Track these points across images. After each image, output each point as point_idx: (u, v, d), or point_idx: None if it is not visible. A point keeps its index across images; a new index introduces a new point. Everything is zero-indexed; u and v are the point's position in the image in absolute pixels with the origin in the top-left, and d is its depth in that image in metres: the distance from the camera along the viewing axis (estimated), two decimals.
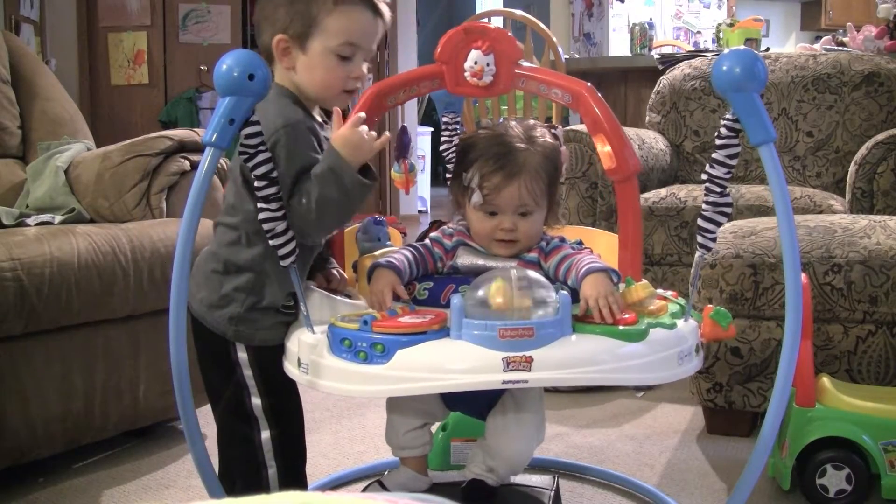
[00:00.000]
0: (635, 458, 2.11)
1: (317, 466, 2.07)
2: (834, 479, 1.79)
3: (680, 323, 1.41)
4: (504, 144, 1.51)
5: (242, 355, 1.48)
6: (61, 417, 1.99)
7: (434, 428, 1.68)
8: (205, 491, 1.47)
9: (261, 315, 1.47)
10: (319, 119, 1.53)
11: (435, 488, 1.63)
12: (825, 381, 1.88)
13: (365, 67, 1.53)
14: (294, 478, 1.55)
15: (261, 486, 1.49)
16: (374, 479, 1.68)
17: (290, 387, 1.51)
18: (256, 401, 1.49)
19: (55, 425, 1.98)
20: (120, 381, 2.10)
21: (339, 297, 1.48)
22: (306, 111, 1.49)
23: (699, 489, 1.93)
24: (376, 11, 1.50)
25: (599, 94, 1.57)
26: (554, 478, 1.70)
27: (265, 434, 1.49)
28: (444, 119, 1.77)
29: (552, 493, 1.65)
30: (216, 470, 1.49)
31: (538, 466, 1.98)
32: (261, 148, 1.33)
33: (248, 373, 1.48)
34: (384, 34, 1.55)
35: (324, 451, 2.17)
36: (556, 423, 2.33)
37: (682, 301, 1.52)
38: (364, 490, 1.70)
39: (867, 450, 1.77)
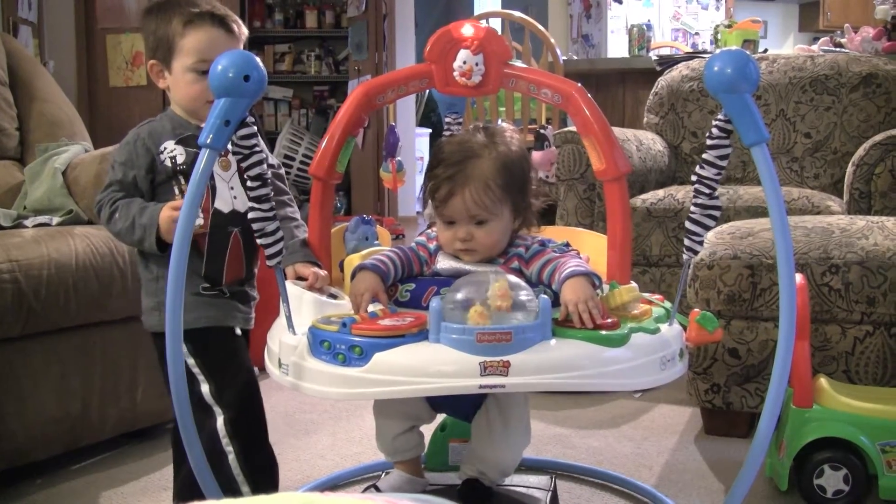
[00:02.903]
0: (633, 458, 2.11)
1: (315, 467, 2.07)
2: (831, 480, 1.79)
3: (664, 327, 1.40)
4: (458, 153, 1.50)
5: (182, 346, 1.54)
6: (59, 419, 1.99)
7: (426, 429, 1.68)
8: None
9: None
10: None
11: (432, 489, 1.63)
12: (823, 381, 1.88)
13: None
14: (256, 459, 1.58)
15: (222, 474, 1.52)
16: (371, 483, 1.68)
17: (235, 369, 1.57)
18: (205, 388, 1.56)
19: (53, 427, 1.98)
20: (118, 382, 2.10)
21: (323, 297, 1.48)
22: (188, 123, 1.64)
23: (697, 490, 1.93)
24: (226, 28, 1.62)
25: (589, 95, 1.56)
26: (552, 478, 1.71)
27: (220, 420, 1.55)
28: (447, 119, 1.77)
29: (550, 493, 1.65)
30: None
31: (536, 467, 1.97)
32: (255, 149, 1.34)
33: (190, 361, 1.55)
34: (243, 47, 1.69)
35: (321, 453, 2.17)
36: (554, 425, 2.33)
37: (668, 305, 1.51)
38: (363, 492, 1.70)
39: (865, 450, 1.77)
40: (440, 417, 1.75)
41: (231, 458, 1.55)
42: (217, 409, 1.56)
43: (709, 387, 2.17)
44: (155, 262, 1.61)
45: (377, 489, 1.61)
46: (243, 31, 1.66)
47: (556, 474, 1.81)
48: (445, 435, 1.85)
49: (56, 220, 2.33)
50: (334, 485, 1.96)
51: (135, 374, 2.14)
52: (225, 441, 1.55)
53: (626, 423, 2.36)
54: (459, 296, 1.30)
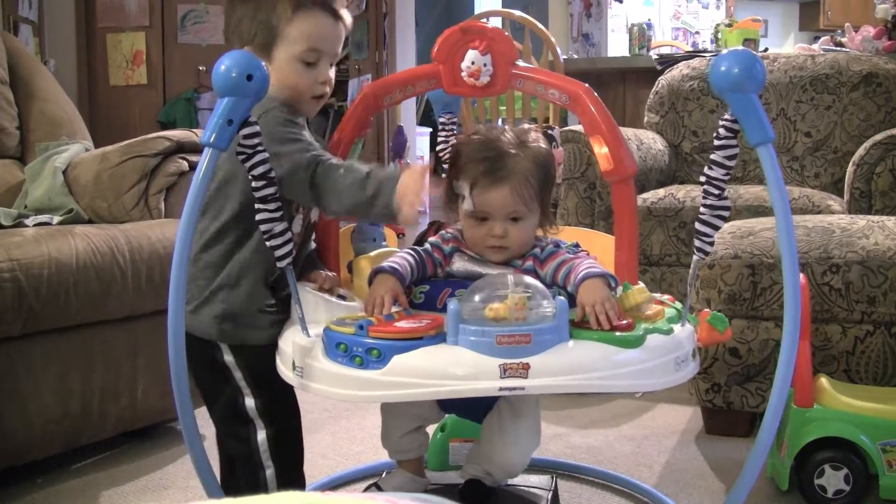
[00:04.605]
0: (634, 458, 2.11)
1: (315, 467, 2.07)
2: (832, 480, 1.79)
3: (676, 328, 1.40)
4: (494, 150, 1.50)
5: (229, 358, 1.50)
6: (59, 418, 1.98)
7: (431, 429, 1.68)
8: (203, 492, 1.47)
9: (244, 315, 1.48)
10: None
11: (433, 489, 1.63)
12: (823, 381, 1.88)
13: (332, 72, 1.55)
14: (292, 477, 1.55)
15: (259, 488, 1.49)
16: (372, 482, 1.68)
17: (284, 385, 1.49)
18: (250, 402, 1.50)
19: (53, 426, 1.98)
20: (118, 381, 2.10)
21: (333, 299, 1.48)
22: None
23: (697, 489, 1.93)
24: (335, 15, 1.52)
25: (596, 95, 1.57)
26: (552, 478, 1.70)
27: (261, 434, 1.50)
28: (441, 120, 1.77)
29: (550, 493, 1.65)
30: (215, 472, 1.49)
31: (536, 467, 1.97)
32: (259, 148, 1.33)
33: (238, 374, 1.50)
34: (346, 38, 1.59)
35: (322, 452, 2.17)
36: (554, 424, 2.33)
37: (678, 305, 1.51)
38: (364, 491, 1.70)
39: (865, 450, 1.77)
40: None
41: (269, 472, 1.50)
42: (259, 423, 1.50)
43: (709, 386, 2.17)
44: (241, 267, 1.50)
45: (379, 488, 1.61)
46: (348, 19, 1.55)
47: (557, 474, 1.81)
48: (446, 435, 1.85)
49: (56, 219, 2.33)
50: (336, 485, 1.96)
51: (135, 373, 2.14)
52: (265, 456, 1.50)
53: (626, 423, 2.36)
54: (477, 298, 1.30)
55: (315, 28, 1.49)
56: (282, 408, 1.53)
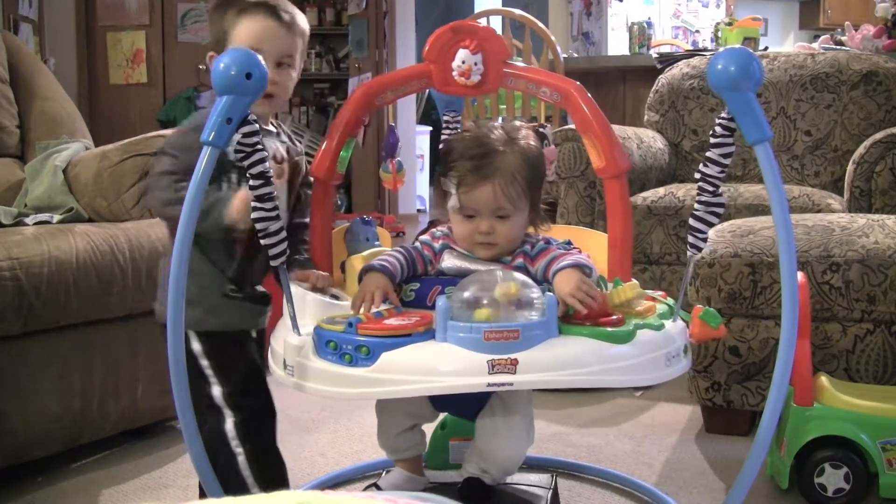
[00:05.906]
0: (634, 457, 2.11)
1: (315, 465, 2.07)
2: (832, 478, 1.79)
3: (668, 324, 1.40)
4: (481, 146, 1.50)
5: (196, 346, 1.53)
6: (59, 417, 1.99)
7: (430, 428, 1.68)
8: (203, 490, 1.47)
9: (206, 301, 1.52)
10: (273, 128, 1.61)
11: (432, 488, 1.63)
12: (823, 379, 1.88)
13: (294, 74, 1.59)
14: (263, 463, 1.56)
15: (233, 474, 1.51)
16: (372, 481, 1.68)
17: (250, 372, 1.55)
18: (217, 390, 1.54)
19: (53, 425, 1.98)
20: (118, 380, 2.10)
21: (326, 298, 1.48)
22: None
23: (697, 488, 1.93)
24: (279, 18, 1.57)
25: (588, 93, 1.57)
26: (552, 476, 1.71)
27: (229, 422, 1.53)
28: (445, 118, 1.77)
29: (550, 491, 1.65)
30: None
31: (536, 465, 1.98)
32: (257, 147, 1.33)
33: (204, 363, 1.53)
34: (302, 39, 1.63)
35: (322, 451, 2.17)
36: (554, 423, 2.33)
37: (670, 301, 1.51)
38: (363, 490, 1.70)
39: (865, 449, 1.77)
40: (441, 416, 1.75)
41: (241, 459, 1.53)
42: (227, 412, 1.53)
43: (709, 385, 2.17)
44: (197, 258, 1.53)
45: (378, 488, 1.61)
46: (299, 21, 1.60)
47: (557, 472, 1.81)
48: (445, 433, 1.85)
49: (57, 217, 2.33)
50: (335, 483, 1.96)
51: (135, 372, 2.14)
52: (235, 443, 1.53)
53: (626, 421, 2.36)
54: (466, 294, 1.30)
55: (256, 31, 1.55)
56: (249, 395, 1.56)
